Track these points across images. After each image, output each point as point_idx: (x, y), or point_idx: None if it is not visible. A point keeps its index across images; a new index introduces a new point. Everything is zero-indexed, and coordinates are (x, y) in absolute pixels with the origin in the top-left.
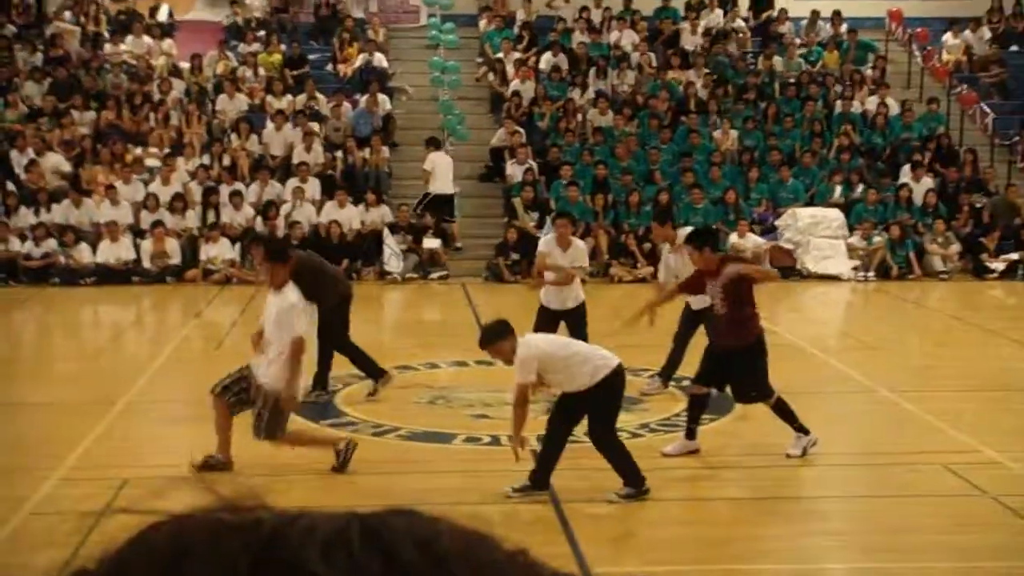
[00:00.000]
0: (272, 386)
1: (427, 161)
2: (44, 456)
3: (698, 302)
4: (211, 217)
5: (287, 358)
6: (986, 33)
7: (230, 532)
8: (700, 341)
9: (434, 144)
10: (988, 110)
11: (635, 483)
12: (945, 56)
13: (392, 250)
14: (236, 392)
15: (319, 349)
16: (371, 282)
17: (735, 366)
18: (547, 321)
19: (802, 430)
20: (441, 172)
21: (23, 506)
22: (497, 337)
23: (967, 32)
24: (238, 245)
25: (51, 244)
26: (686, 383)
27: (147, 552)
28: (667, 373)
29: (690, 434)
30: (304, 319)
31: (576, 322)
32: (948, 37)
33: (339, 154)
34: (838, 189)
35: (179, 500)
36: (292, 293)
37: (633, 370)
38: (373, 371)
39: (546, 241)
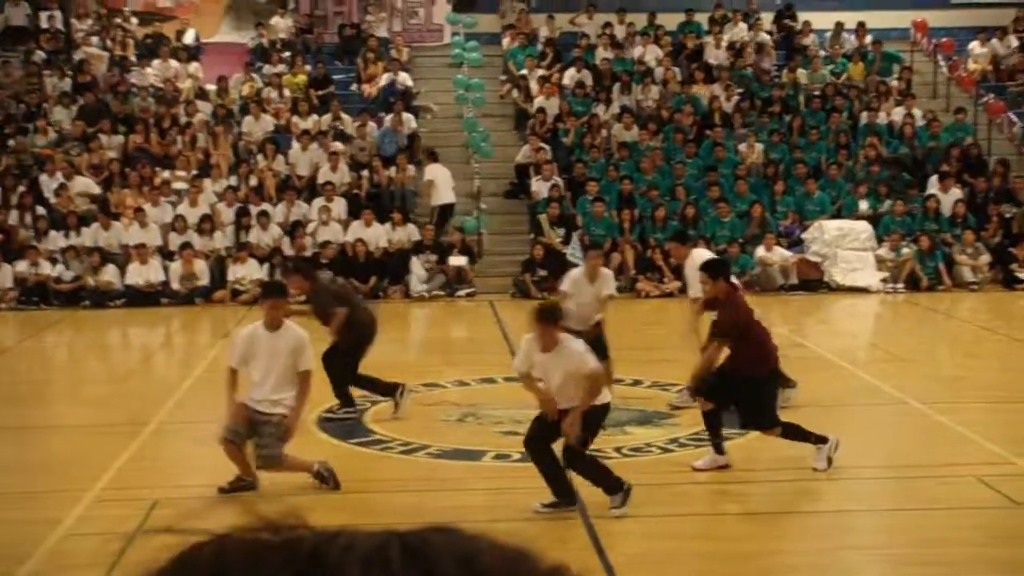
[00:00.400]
0: (284, 416)
1: (427, 172)
2: (77, 478)
3: None
4: (241, 238)
5: (301, 391)
6: (1013, 41)
7: (270, 550)
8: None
9: (432, 157)
10: (1016, 119)
11: (617, 487)
12: (971, 65)
13: (418, 278)
14: (242, 435)
15: (328, 371)
16: (397, 300)
17: (742, 391)
18: None
19: (820, 440)
20: (442, 183)
21: (57, 528)
22: (556, 319)
23: (994, 41)
24: (266, 265)
25: (81, 267)
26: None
27: (189, 570)
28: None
29: (718, 449)
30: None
31: (595, 342)
32: (975, 46)
33: (364, 173)
34: (863, 203)
35: (220, 520)
36: (296, 327)
37: (662, 384)
38: (386, 390)
39: (572, 280)
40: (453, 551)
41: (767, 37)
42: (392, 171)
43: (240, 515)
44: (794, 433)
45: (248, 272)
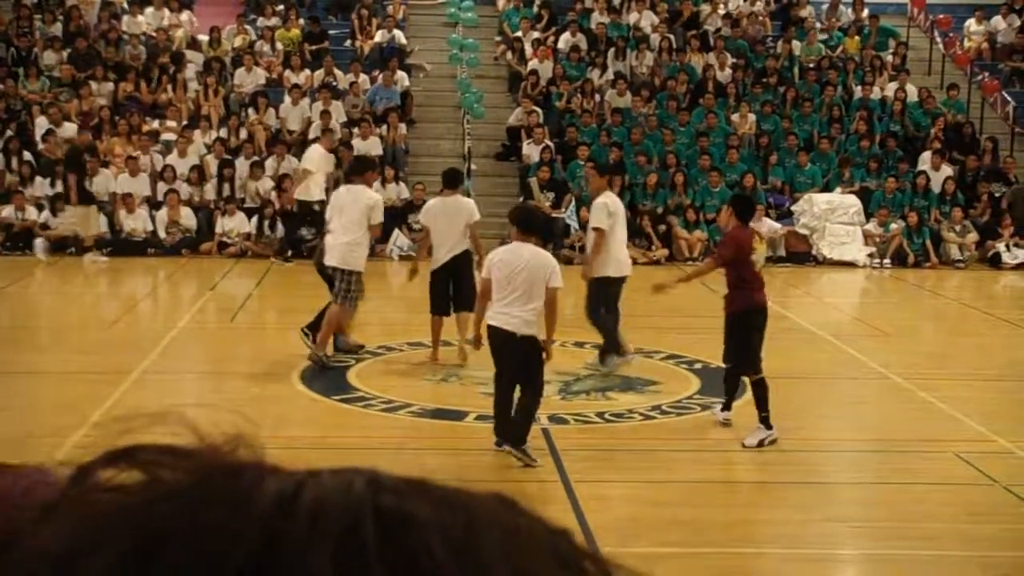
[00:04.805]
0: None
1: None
2: (59, 424)
3: (614, 268)
4: (227, 190)
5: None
6: (1015, 20)
7: (213, 510)
8: (715, 323)
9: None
10: (1009, 98)
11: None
12: (967, 43)
13: (399, 248)
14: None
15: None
16: (385, 258)
17: (732, 331)
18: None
19: (766, 423)
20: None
21: None
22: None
23: (997, 18)
24: (254, 218)
25: (67, 218)
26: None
27: (108, 539)
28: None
29: (766, 423)
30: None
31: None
32: (971, 23)
33: (356, 130)
34: (847, 175)
35: (154, 438)
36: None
37: (646, 352)
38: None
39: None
40: (444, 531)
41: (763, 7)
42: (384, 129)
43: (177, 435)
44: (759, 395)
45: (236, 225)
